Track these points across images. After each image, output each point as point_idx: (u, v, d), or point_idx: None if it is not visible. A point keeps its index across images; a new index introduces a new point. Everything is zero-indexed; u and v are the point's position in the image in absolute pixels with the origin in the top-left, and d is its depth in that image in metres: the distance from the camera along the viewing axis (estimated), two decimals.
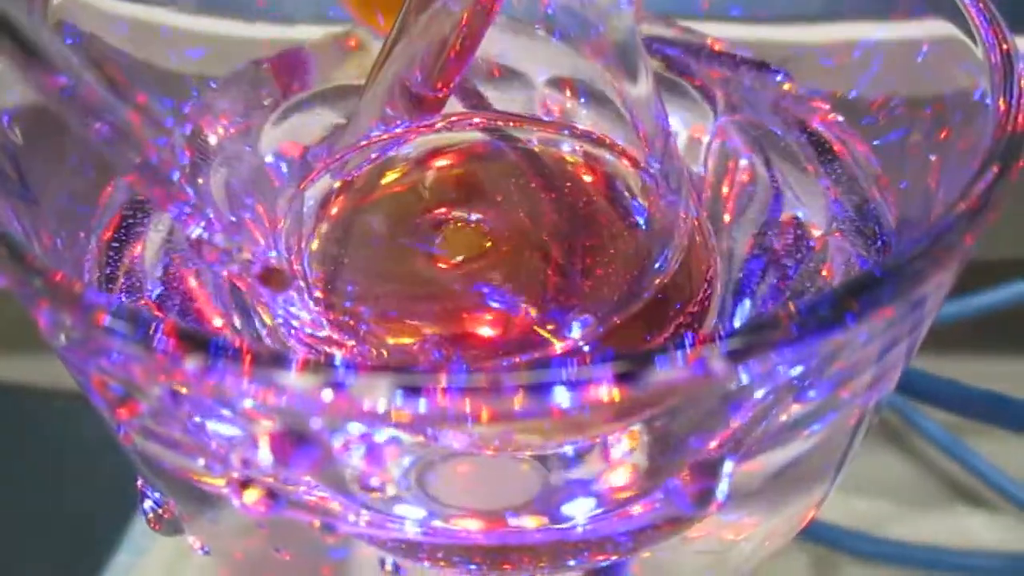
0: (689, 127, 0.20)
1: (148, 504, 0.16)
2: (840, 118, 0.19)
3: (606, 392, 0.10)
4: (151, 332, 0.10)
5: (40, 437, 0.35)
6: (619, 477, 0.16)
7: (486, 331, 0.17)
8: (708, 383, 0.10)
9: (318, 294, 0.17)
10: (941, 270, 0.12)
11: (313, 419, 0.11)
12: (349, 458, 0.12)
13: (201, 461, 0.13)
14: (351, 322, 0.17)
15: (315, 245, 0.18)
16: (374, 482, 0.12)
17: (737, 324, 0.18)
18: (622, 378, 0.10)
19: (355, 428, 0.11)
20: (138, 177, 0.14)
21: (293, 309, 0.16)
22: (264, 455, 0.11)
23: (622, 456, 0.16)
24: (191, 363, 0.10)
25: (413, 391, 0.10)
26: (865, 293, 0.11)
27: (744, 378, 0.10)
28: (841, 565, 0.30)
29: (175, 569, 0.32)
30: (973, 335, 0.33)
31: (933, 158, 0.17)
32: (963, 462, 0.32)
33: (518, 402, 0.10)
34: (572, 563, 0.17)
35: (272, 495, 0.13)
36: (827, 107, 0.19)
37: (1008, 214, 0.33)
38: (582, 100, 0.19)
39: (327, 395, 0.10)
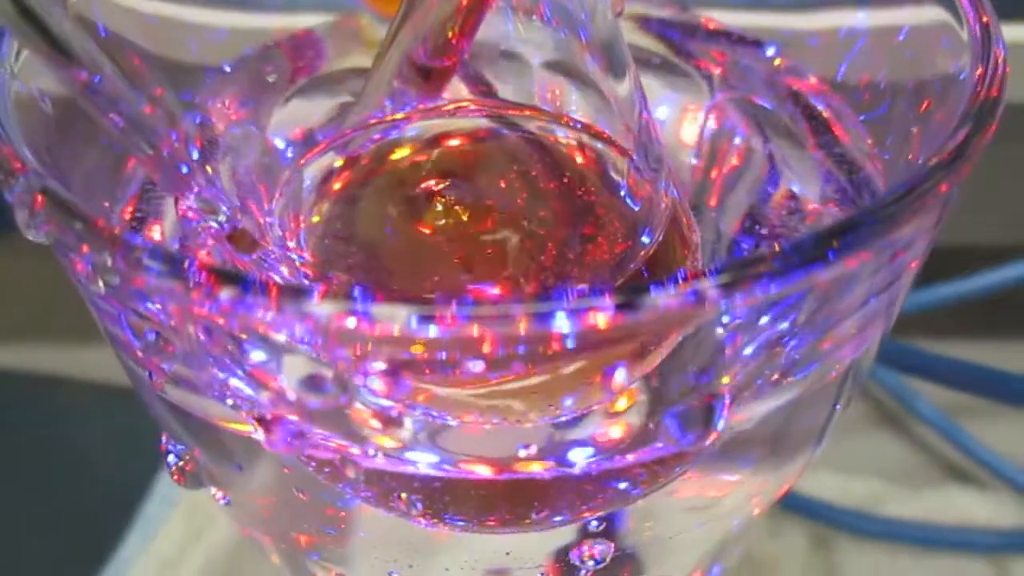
0: (686, 106, 0.21)
1: (171, 459, 0.17)
2: (831, 91, 0.20)
3: (604, 318, 0.11)
4: (186, 267, 0.11)
5: (52, 426, 0.36)
6: (617, 431, 0.17)
7: None
8: (700, 311, 0.11)
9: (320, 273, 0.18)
10: (916, 216, 0.13)
11: (333, 348, 0.12)
12: (366, 392, 0.13)
13: (229, 402, 0.14)
14: None
15: (315, 219, 0.19)
16: (392, 414, 0.13)
17: None
18: (620, 306, 0.11)
19: (372, 366, 0.12)
20: (151, 167, 0.15)
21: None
22: (287, 388, 0.12)
23: (620, 414, 0.17)
24: (223, 294, 0.11)
25: (427, 317, 0.11)
26: (846, 233, 0.12)
27: (732, 307, 0.11)
28: (838, 542, 0.31)
29: (187, 550, 0.32)
30: (971, 317, 0.34)
31: (915, 129, 0.18)
32: (956, 442, 0.32)
33: (523, 327, 0.11)
34: (564, 517, 0.17)
35: (297, 433, 0.14)
36: (819, 81, 0.20)
37: (1007, 199, 0.34)
38: (574, 86, 0.20)
39: (347, 322, 0.11)
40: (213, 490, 0.18)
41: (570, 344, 0.12)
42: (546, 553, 0.17)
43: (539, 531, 0.17)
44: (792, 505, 0.31)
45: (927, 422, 0.33)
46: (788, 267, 0.12)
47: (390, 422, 0.14)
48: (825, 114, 0.20)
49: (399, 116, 0.20)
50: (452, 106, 0.20)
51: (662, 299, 0.11)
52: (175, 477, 0.17)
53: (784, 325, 0.15)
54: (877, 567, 0.30)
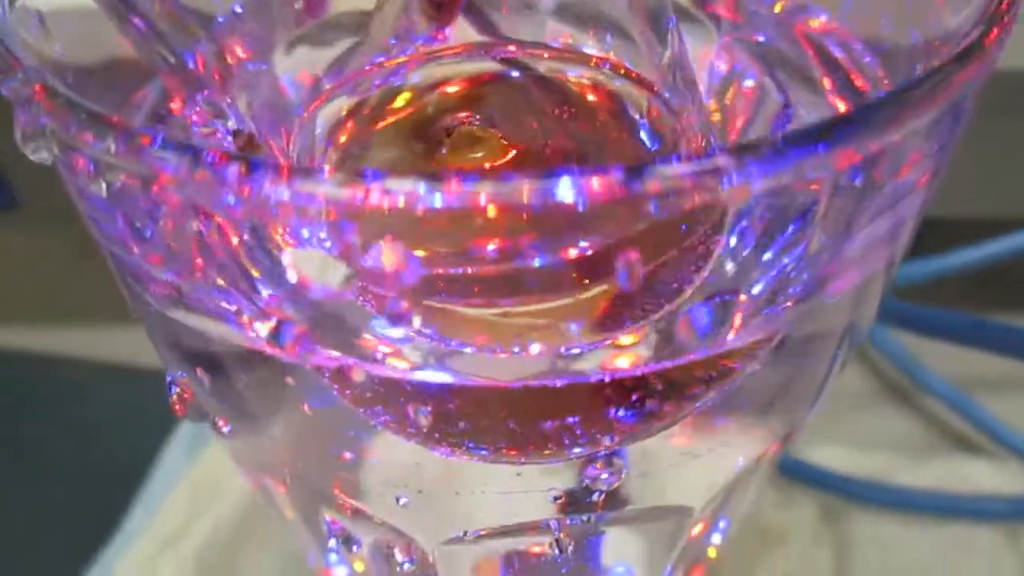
0: (696, 48, 0.21)
1: (172, 388, 0.17)
2: (840, 30, 0.20)
3: (610, 185, 0.11)
4: (198, 150, 0.11)
5: (57, 404, 0.36)
6: (625, 362, 0.17)
7: None
8: (707, 183, 0.11)
9: None
10: (914, 116, 0.13)
11: (342, 229, 0.12)
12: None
13: (234, 307, 0.14)
14: None
15: (327, 166, 0.19)
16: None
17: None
18: (625, 180, 0.11)
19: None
20: (170, 76, 0.15)
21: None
22: (289, 266, 0.12)
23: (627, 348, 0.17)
24: (231, 170, 0.11)
25: (434, 186, 0.11)
26: (845, 124, 0.12)
27: (735, 179, 0.11)
28: (848, 512, 0.30)
29: (191, 525, 0.32)
30: (975, 288, 0.34)
31: (921, 66, 0.18)
32: (964, 413, 0.32)
33: (527, 194, 0.11)
34: (577, 451, 0.17)
35: (302, 336, 0.14)
36: (827, 19, 0.20)
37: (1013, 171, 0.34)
38: (592, 24, 0.20)
39: (358, 193, 0.11)
40: (216, 419, 0.17)
41: (579, 228, 0.12)
42: (557, 476, 0.17)
43: (556, 463, 0.17)
44: (802, 476, 0.31)
45: (935, 394, 0.33)
46: (787, 146, 0.12)
47: (398, 319, 0.14)
48: (835, 52, 0.20)
49: (403, 59, 0.20)
50: (461, 49, 0.20)
51: (669, 169, 0.11)
52: (176, 408, 0.17)
53: (789, 255, 0.15)
54: (887, 537, 0.30)
